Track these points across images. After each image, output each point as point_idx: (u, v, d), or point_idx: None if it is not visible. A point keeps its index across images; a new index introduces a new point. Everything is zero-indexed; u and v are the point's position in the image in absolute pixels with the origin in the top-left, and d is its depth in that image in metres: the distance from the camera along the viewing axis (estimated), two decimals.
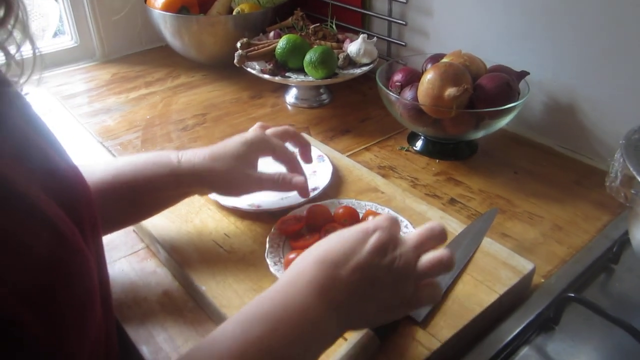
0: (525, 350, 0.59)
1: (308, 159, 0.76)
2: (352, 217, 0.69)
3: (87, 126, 1.07)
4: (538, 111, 0.98)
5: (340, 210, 0.70)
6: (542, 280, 0.67)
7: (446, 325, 0.57)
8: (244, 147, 0.67)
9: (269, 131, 0.72)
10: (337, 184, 0.80)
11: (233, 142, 0.67)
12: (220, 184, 0.66)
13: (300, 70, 1.08)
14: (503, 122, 0.88)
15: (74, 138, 1.04)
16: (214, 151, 0.66)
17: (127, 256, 0.73)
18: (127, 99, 1.18)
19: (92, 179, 0.61)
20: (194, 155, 0.66)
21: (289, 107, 1.13)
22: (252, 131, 0.71)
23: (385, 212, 0.71)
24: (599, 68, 0.87)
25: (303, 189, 0.69)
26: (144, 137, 1.02)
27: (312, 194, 0.75)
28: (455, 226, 0.71)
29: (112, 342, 0.54)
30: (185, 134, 1.03)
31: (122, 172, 0.64)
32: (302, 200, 0.74)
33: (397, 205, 0.75)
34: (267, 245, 0.66)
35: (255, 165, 0.68)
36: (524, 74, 0.90)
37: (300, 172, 0.72)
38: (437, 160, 0.92)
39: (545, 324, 0.62)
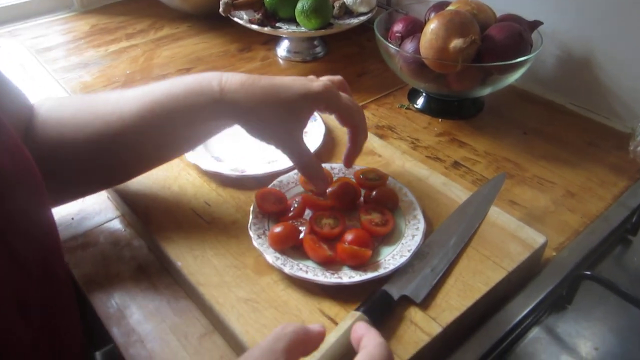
0: (534, 332, 0.54)
1: (349, 162, 0.64)
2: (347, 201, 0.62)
3: (62, 82, 0.99)
4: (550, 65, 0.90)
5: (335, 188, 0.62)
6: (554, 254, 0.61)
7: (448, 307, 0.51)
8: (302, 99, 0.55)
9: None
10: (330, 146, 0.73)
11: (292, 90, 0.56)
12: (259, 129, 0.57)
13: (292, 20, 0.99)
14: (513, 78, 0.80)
15: (48, 95, 0.96)
16: (266, 91, 0.55)
17: (99, 226, 0.67)
18: (106, 52, 1.09)
19: (128, 111, 0.56)
20: (241, 86, 0.55)
21: (281, 60, 1.05)
22: (320, 84, 0.57)
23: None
24: (620, 17, 0.78)
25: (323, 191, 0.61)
26: None
27: None
28: (459, 193, 0.64)
29: (72, 332, 0.49)
30: None
31: (159, 104, 0.56)
32: (289, 165, 0.67)
33: (395, 169, 0.68)
34: (251, 216, 0.59)
35: (305, 122, 0.58)
36: (536, 24, 0.81)
37: (356, 150, 0.62)
38: (440, 120, 0.85)
39: (557, 302, 0.56)
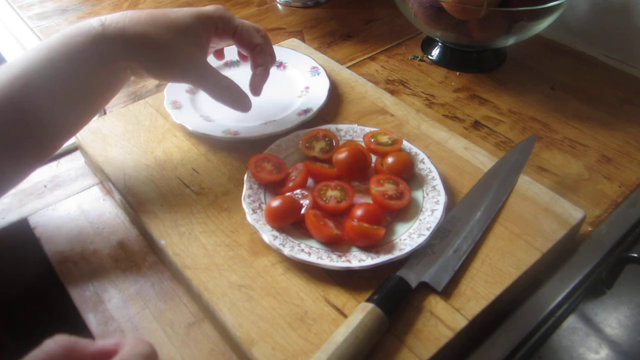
0: (570, 321, 0.47)
1: (256, 88, 0.58)
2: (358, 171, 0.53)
3: (37, 30, 0.89)
4: (582, 12, 0.80)
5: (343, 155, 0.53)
6: (590, 230, 0.54)
7: (474, 296, 0.44)
8: (193, 19, 0.51)
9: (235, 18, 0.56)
10: (335, 104, 0.65)
11: (182, 12, 0.52)
12: (154, 57, 0.50)
13: None
14: (542, 26, 0.70)
15: (19, 45, 0.86)
16: (154, 15, 0.50)
17: (75, 195, 0.60)
18: None
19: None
20: (124, 17, 0.49)
21: (279, 5, 0.95)
22: (212, 6, 0.54)
23: None
24: None
25: (245, 104, 0.55)
26: None
27: (304, 117, 0.60)
28: (482, 159, 0.56)
29: None
30: None
31: (30, 60, 0.46)
32: (288, 126, 0.59)
33: (410, 131, 0.60)
34: (245, 187, 0.51)
35: (204, 47, 0.53)
36: None
37: (263, 74, 0.57)
38: (458, 73, 0.76)
39: (595, 287, 0.49)
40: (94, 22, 0.48)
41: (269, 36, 0.58)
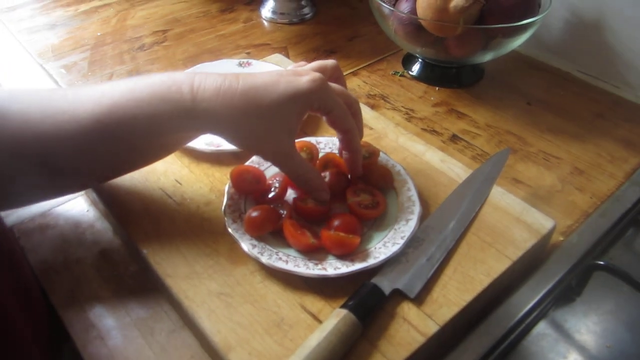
0: (540, 328, 0.49)
1: (354, 172, 0.55)
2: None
3: (26, 44, 0.91)
4: (557, 30, 0.82)
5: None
6: (561, 239, 0.56)
7: (446, 303, 0.45)
8: (288, 102, 0.46)
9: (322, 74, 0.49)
10: (315, 117, 0.66)
11: (277, 92, 0.46)
12: (243, 143, 0.49)
13: None
14: (517, 42, 0.73)
15: (9, 59, 0.88)
16: (247, 97, 0.46)
17: (60, 205, 0.61)
18: (76, 12, 1.01)
19: (83, 112, 0.46)
20: (216, 93, 0.46)
21: (265, 22, 0.97)
22: (309, 79, 0.47)
23: None
24: None
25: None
26: (92, 59, 0.86)
27: None
28: (458, 171, 0.58)
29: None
30: (141, 55, 0.87)
31: (119, 106, 0.46)
32: None
33: (388, 144, 0.62)
34: (225, 197, 0.53)
35: (295, 130, 0.49)
36: None
37: (357, 156, 0.53)
38: (437, 88, 0.78)
39: (565, 294, 0.51)
40: (185, 91, 0.46)
41: (360, 109, 0.54)
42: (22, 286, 0.49)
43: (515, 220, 0.52)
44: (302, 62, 0.52)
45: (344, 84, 0.55)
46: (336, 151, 0.59)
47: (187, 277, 0.48)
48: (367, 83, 0.80)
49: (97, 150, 0.48)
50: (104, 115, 0.46)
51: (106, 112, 0.46)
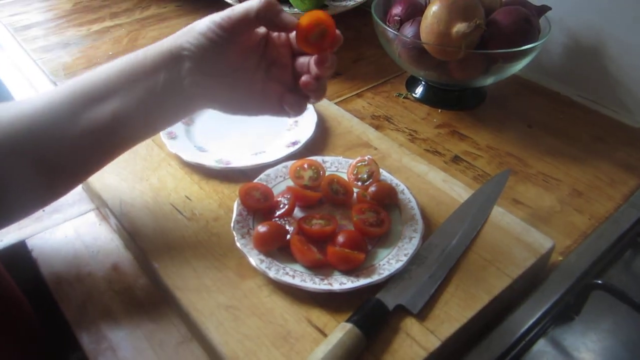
0: (539, 345, 0.50)
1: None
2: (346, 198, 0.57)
3: (40, 62, 0.93)
4: (557, 54, 0.85)
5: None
6: (560, 259, 0.57)
7: (447, 319, 0.46)
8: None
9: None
10: (322, 137, 0.68)
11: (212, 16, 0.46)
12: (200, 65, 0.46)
13: (284, 1, 0.93)
14: (518, 67, 0.75)
15: (23, 76, 0.90)
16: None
17: (72, 219, 0.62)
18: (88, 32, 1.03)
19: (55, 92, 0.46)
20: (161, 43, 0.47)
21: None
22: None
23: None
24: (632, 4, 0.73)
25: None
26: None
27: (292, 150, 0.64)
28: (459, 191, 0.60)
29: None
30: None
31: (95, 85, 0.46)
32: (278, 157, 0.62)
33: (391, 164, 0.64)
34: (234, 213, 0.54)
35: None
36: (544, 9, 0.76)
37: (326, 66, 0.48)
38: (440, 110, 0.80)
39: (564, 313, 0.52)
40: (137, 53, 0.47)
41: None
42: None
43: (516, 239, 0.54)
44: None
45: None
46: (342, 170, 0.61)
47: (196, 290, 0.49)
48: (371, 104, 0.82)
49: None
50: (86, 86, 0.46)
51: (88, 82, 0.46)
